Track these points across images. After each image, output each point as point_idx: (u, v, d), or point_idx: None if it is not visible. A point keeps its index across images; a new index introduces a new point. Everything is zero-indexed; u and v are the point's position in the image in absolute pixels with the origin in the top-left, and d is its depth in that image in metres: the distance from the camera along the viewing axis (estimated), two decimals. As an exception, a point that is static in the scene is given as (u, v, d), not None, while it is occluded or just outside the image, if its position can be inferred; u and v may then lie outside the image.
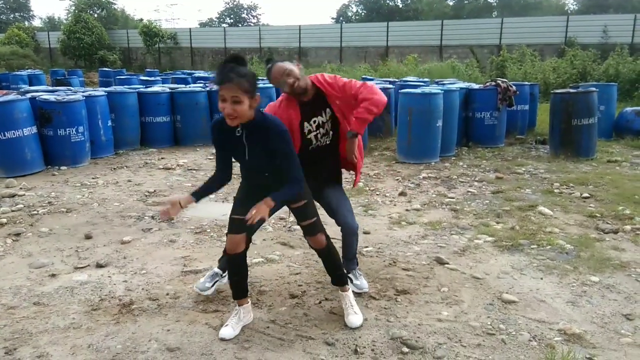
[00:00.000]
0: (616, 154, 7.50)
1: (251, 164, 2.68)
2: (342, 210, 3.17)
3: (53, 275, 3.58)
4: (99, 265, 3.74)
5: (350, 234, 3.19)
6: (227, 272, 3.06)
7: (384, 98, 3.09)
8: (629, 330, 2.83)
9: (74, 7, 32.03)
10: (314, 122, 3.13)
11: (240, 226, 2.70)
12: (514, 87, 8.24)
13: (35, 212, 4.99)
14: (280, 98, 3.18)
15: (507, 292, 3.26)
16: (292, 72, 3.00)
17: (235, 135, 2.61)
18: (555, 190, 5.64)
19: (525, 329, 2.84)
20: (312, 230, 2.87)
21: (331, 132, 3.19)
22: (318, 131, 3.15)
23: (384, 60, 20.97)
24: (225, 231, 4.42)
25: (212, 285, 3.25)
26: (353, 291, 3.13)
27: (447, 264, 3.73)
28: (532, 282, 3.43)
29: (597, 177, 6.13)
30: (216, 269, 3.32)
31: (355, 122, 3.07)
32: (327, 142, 3.20)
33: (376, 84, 9.74)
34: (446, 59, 19.98)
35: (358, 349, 2.65)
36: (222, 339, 2.72)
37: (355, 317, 2.90)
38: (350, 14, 49.08)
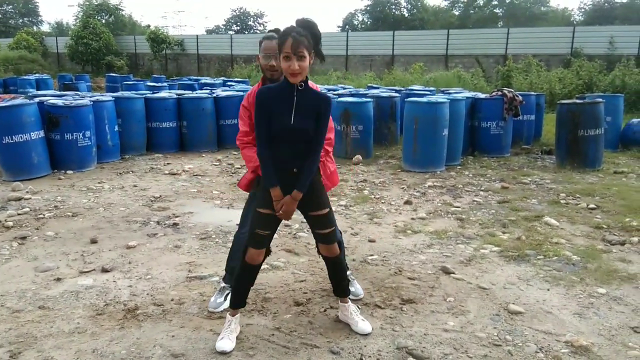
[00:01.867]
0: (623, 165, 7.47)
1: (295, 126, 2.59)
2: None
3: (58, 279, 3.58)
4: (104, 270, 3.74)
5: None
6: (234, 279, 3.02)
7: None
8: (637, 343, 2.81)
9: (82, 13, 32.25)
10: None
11: (265, 241, 2.72)
12: (520, 97, 8.23)
13: (41, 215, 5.00)
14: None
15: (513, 303, 3.24)
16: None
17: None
18: (562, 201, 5.61)
19: (532, 341, 2.82)
20: (330, 239, 2.83)
21: None
22: None
23: (389, 68, 21.02)
24: (231, 237, 4.43)
25: (225, 299, 3.19)
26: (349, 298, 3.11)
27: (453, 273, 3.71)
28: (538, 293, 3.41)
29: (604, 188, 6.10)
30: (223, 284, 3.29)
31: None
32: None
33: (382, 92, 9.82)
34: (452, 68, 20.00)
35: (363, 358, 2.64)
36: (223, 352, 2.66)
37: (364, 323, 2.89)
38: (356, 22, 49.30)
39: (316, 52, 2.59)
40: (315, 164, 2.68)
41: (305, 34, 2.50)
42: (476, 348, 2.74)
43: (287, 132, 2.57)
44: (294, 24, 2.55)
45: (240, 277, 2.83)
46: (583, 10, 44.91)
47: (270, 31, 3.01)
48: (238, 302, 2.85)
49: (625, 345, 2.80)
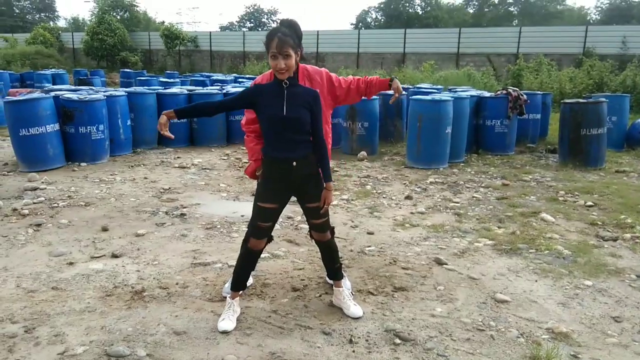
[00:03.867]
0: (625, 165, 7.53)
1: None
2: None
3: (71, 264, 3.80)
4: (114, 256, 3.95)
5: None
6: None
7: None
8: (616, 331, 2.94)
9: (97, 9, 32.74)
10: None
11: (265, 232, 2.92)
12: (525, 96, 8.32)
13: (55, 205, 5.24)
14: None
15: (501, 292, 3.39)
16: None
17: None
18: (560, 198, 5.72)
19: (515, 327, 2.97)
20: (322, 228, 3.02)
21: None
22: None
23: (400, 66, 21.09)
24: (235, 227, 4.63)
25: None
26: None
27: (446, 264, 3.86)
28: (526, 284, 3.55)
29: (603, 186, 6.19)
30: None
31: None
32: None
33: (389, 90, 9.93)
34: (463, 66, 20.02)
35: (353, 339, 2.81)
36: (225, 332, 2.85)
37: (356, 308, 3.08)
38: (369, 20, 49.33)
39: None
40: (326, 153, 2.90)
41: (290, 34, 2.70)
42: (460, 332, 2.90)
43: (281, 122, 2.74)
44: (279, 25, 2.76)
45: (243, 262, 3.02)
46: (600, 9, 44.53)
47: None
48: (239, 285, 3.05)
49: (604, 333, 2.93)
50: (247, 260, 3.00)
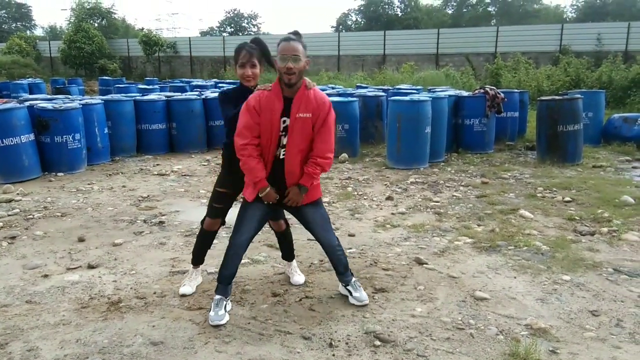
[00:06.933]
0: (602, 160, 7.64)
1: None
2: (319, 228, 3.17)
3: (46, 276, 3.72)
4: (91, 266, 3.88)
5: (331, 250, 3.21)
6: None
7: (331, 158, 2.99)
8: (594, 325, 2.97)
9: (74, 17, 32.32)
10: (284, 122, 2.92)
11: (218, 212, 3.42)
12: (502, 95, 8.40)
13: (30, 216, 5.13)
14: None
15: (480, 290, 3.40)
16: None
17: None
18: (538, 195, 5.78)
19: (494, 324, 2.97)
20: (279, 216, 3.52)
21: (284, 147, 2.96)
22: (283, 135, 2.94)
23: (380, 68, 21.19)
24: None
25: (225, 310, 3.09)
26: (353, 304, 3.21)
27: (426, 264, 3.86)
28: (505, 281, 3.56)
29: (581, 181, 6.27)
30: (218, 296, 3.10)
31: (306, 177, 2.96)
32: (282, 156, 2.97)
33: (369, 92, 9.97)
34: (442, 67, 20.17)
35: (333, 343, 2.79)
36: (184, 295, 3.35)
37: (300, 277, 3.56)
38: (349, 22, 49.49)
39: (268, 62, 3.20)
40: None
41: (256, 48, 3.15)
42: (440, 332, 2.89)
43: None
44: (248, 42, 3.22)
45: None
46: (575, 7, 45.30)
47: (289, 33, 2.95)
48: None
49: (582, 327, 2.96)
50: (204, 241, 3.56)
